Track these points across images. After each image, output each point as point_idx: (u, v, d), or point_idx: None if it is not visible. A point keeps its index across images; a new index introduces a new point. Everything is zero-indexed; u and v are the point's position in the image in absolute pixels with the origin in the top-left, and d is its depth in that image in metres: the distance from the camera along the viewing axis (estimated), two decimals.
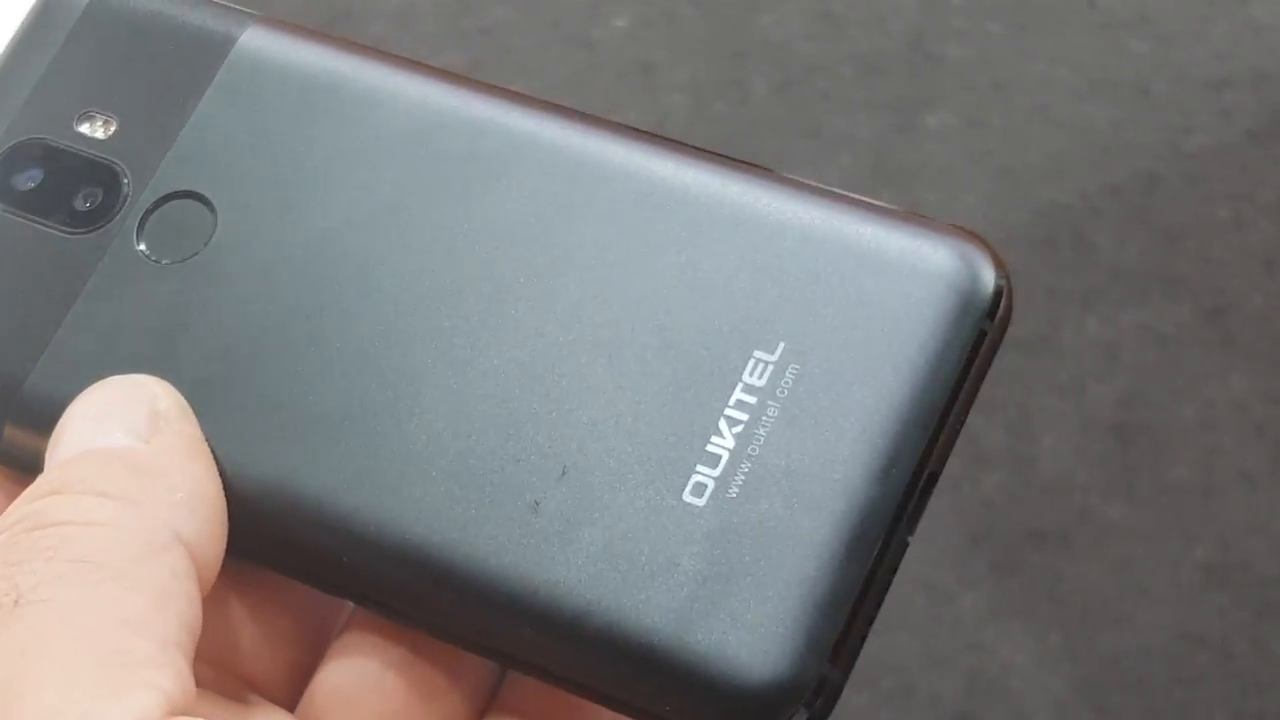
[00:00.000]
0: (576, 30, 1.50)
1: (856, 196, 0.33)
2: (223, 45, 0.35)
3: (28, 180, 0.35)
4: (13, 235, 0.35)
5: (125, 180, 0.35)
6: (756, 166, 0.34)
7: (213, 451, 0.31)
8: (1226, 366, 1.33)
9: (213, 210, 0.34)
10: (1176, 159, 1.45)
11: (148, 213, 0.34)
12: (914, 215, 0.34)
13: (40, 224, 0.35)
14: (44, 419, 0.32)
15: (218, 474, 0.31)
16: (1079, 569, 1.24)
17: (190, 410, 0.31)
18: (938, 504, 1.31)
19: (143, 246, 0.34)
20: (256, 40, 0.35)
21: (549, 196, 0.34)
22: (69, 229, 0.35)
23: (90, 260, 0.34)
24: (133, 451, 0.29)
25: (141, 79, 0.36)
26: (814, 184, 0.34)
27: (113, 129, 0.35)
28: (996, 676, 1.18)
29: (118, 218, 0.34)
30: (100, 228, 0.34)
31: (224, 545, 0.30)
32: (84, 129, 0.36)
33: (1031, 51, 1.51)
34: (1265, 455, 1.29)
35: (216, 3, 0.37)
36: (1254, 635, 1.21)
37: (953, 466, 1.29)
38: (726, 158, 0.35)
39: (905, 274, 0.32)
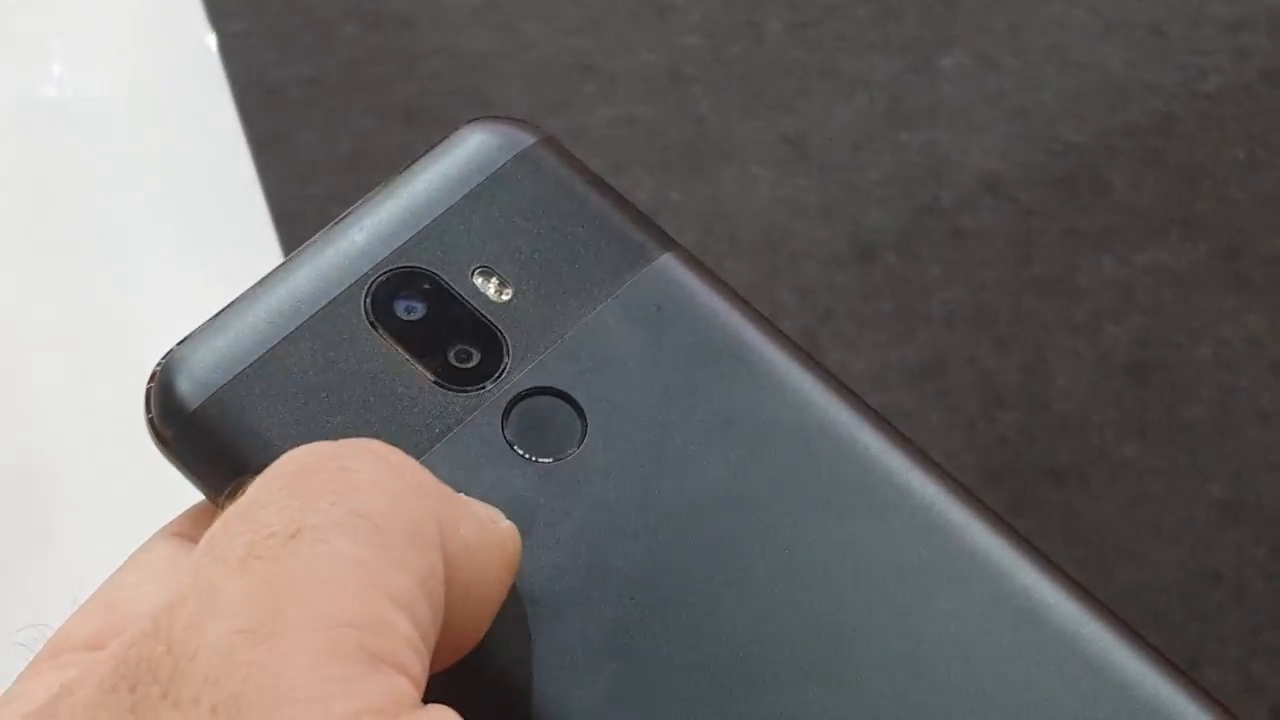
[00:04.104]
0: None
1: (1146, 641, 0.33)
2: (637, 260, 0.34)
3: (410, 310, 0.34)
4: (377, 360, 0.33)
5: (506, 354, 0.34)
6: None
7: (519, 663, 0.30)
8: (1242, 306, 1.34)
9: (583, 422, 0.33)
10: (1192, 99, 1.45)
11: (520, 397, 0.33)
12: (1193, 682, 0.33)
13: (408, 360, 0.33)
14: None
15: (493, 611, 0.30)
16: (1094, 507, 1.24)
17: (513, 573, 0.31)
18: (953, 443, 1.31)
19: (506, 429, 0.33)
20: (671, 270, 0.34)
21: (918, 557, 0.33)
22: (436, 377, 0.33)
23: (447, 419, 0.33)
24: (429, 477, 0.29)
25: (547, 257, 0.34)
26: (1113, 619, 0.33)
27: (506, 296, 0.34)
28: None
29: (489, 388, 0.33)
30: (467, 391, 0.33)
31: (479, 627, 0.29)
32: (478, 283, 0.34)
33: None
34: None
35: (643, 215, 0.36)
36: (1269, 571, 1.22)
37: (969, 406, 1.29)
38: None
39: None
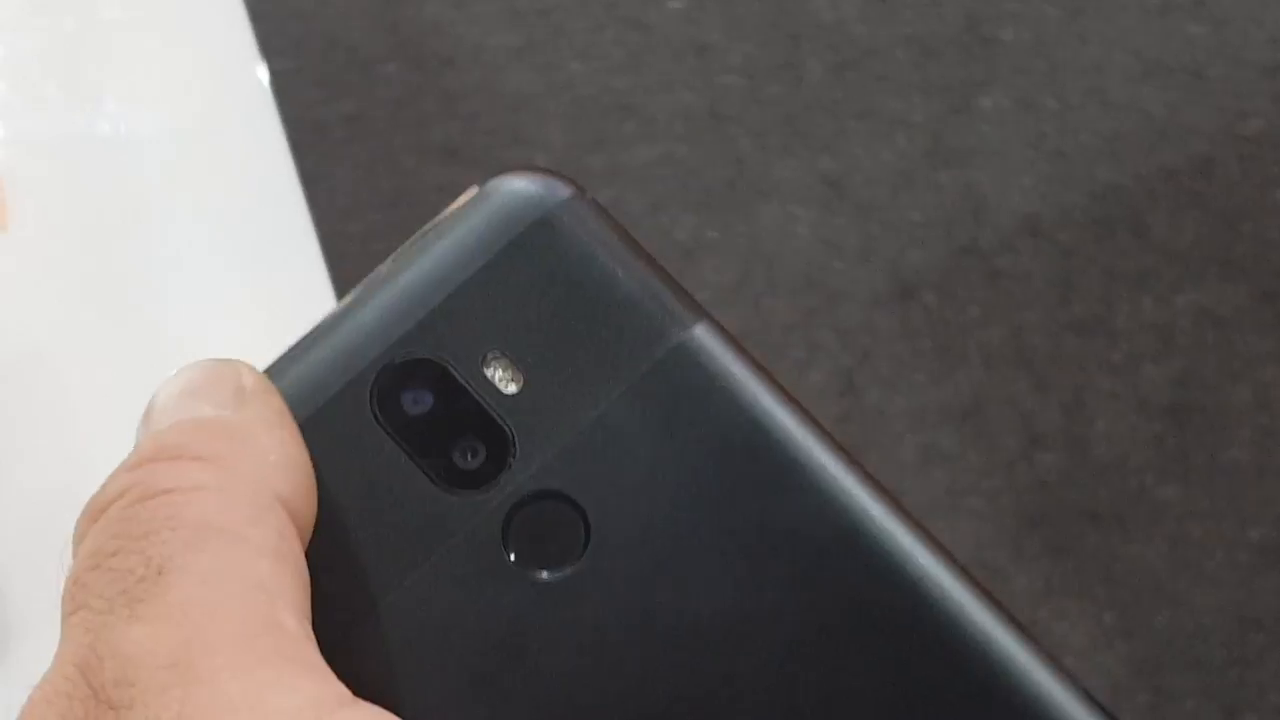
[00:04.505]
0: (632, 12, 1.51)
1: None
2: (659, 341, 0.31)
3: (417, 404, 0.31)
4: (380, 457, 0.31)
5: (512, 453, 0.31)
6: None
7: None
8: None
9: (587, 533, 0.30)
10: (1232, 142, 1.45)
11: (523, 502, 0.31)
12: None
13: (411, 459, 0.31)
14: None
15: (303, 440, 0.30)
16: (1134, 549, 1.24)
17: (274, 386, 0.31)
18: (992, 484, 1.31)
19: (505, 539, 0.30)
20: (694, 353, 0.31)
21: (940, 700, 0.30)
22: (438, 478, 0.31)
23: (446, 527, 0.31)
24: (221, 419, 0.29)
25: (562, 338, 0.31)
26: None
27: (516, 388, 0.31)
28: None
29: (491, 493, 0.31)
30: (467, 495, 0.31)
31: (315, 507, 0.30)
32: (489, 373, 0.31)
33: (1086, 34, 1.51)
34: None
35: (672, 281, 0.32)
36: None
37: (1008, 447, 1.29)
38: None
39: None
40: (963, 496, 1.25)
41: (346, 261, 1.47)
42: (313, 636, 0.27)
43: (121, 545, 0.27)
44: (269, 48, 1.57)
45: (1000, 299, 1.35)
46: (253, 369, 0.31)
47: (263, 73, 0.63)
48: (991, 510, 1.26)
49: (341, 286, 0.61)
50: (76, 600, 0.27)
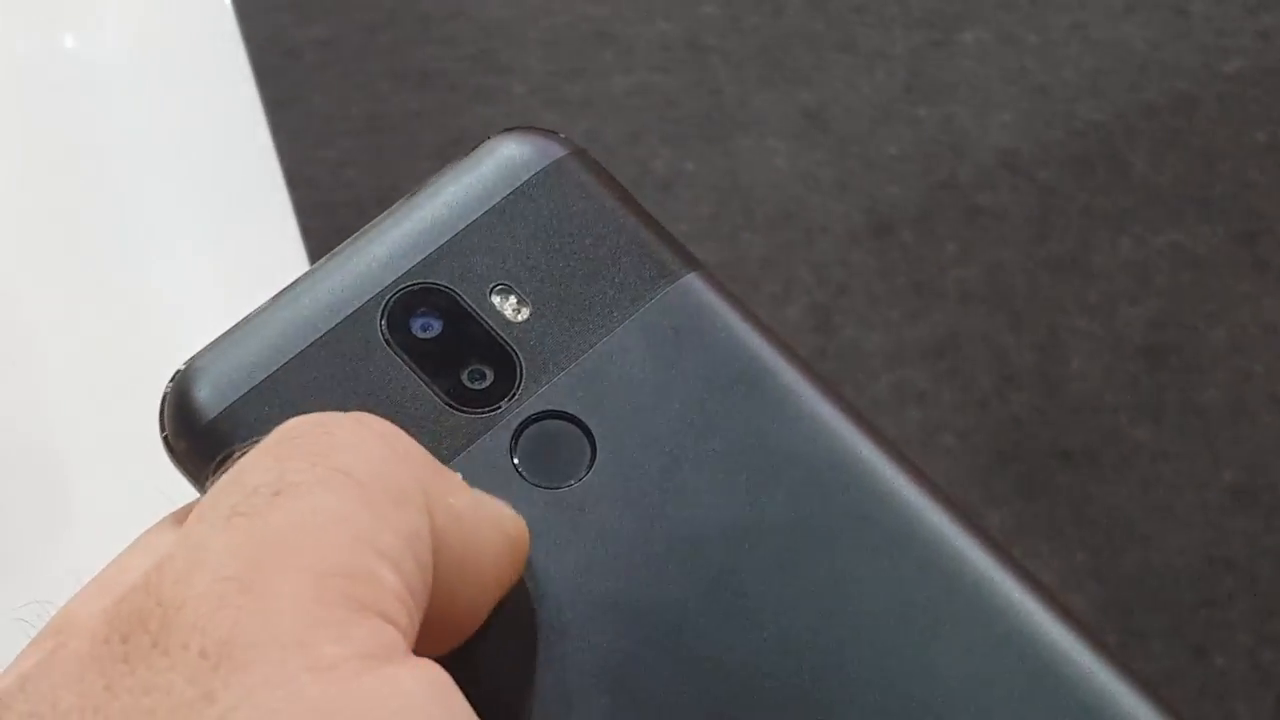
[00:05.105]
0: None
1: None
2: (658, 281, 0.34)
3: (426, 328, 0.33)
4: (390, 378, 0.33)
5: (520, 376, 0.33)
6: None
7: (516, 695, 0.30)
8: (1259, 290, 1.33)
9: (592, 448, 0.32)
10: (1214, 81, 1.44)
11: (529, 421, 0.32)
12: None
13: (420, 379, 0.33)
14: None
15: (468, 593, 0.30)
16: (1106, 489, 1.24)
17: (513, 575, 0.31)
18: (966, 422, 1.31)
19: (515, 456, 0.32)
20: (692, 292, 0.33)
21: (926, 598, 0.31)
22: (448, 398, 0.33)
23: (456, 441, 0.32)
24: (428, 456, 0.29)
25: (567, 276, 0.34)
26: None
27: (523, 315, 0.33)
28: None
29: (499, 412, 0.32)
30: (477, 413, 0.32)
31: (471, 612, 0.29)
32: (496, 301, 0.33)
33: None
34: None
35: (668, 233, 0.35)
36: None
37: (982, 385, 1.29)
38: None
39: None
40: (936, 433, 1.25)
41: (318, 187, 1.45)
42: (409, 604, 0.26)
43: (260, 464, 0.27)
44: None
45: (978, 236, 1.35)
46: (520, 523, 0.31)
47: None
48: (964, 448, 1.25)
49: (308, 214, 0.60)
50: (200, 509, 0.26)
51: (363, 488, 0.26)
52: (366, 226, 0.35)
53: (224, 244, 0.56)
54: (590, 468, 0.32)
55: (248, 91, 0.59)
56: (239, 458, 0.27)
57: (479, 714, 0.27)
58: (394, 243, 0.34)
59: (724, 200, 1.37)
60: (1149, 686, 0.31)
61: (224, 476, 0.27)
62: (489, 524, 0.29)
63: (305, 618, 0.24)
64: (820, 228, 1.35)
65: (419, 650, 0.26)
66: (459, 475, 0.29)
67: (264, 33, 1.43)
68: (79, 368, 0.54)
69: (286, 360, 0.33)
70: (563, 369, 0.33)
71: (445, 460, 0.32)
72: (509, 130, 0.36)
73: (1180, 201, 1.37)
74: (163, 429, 0.33)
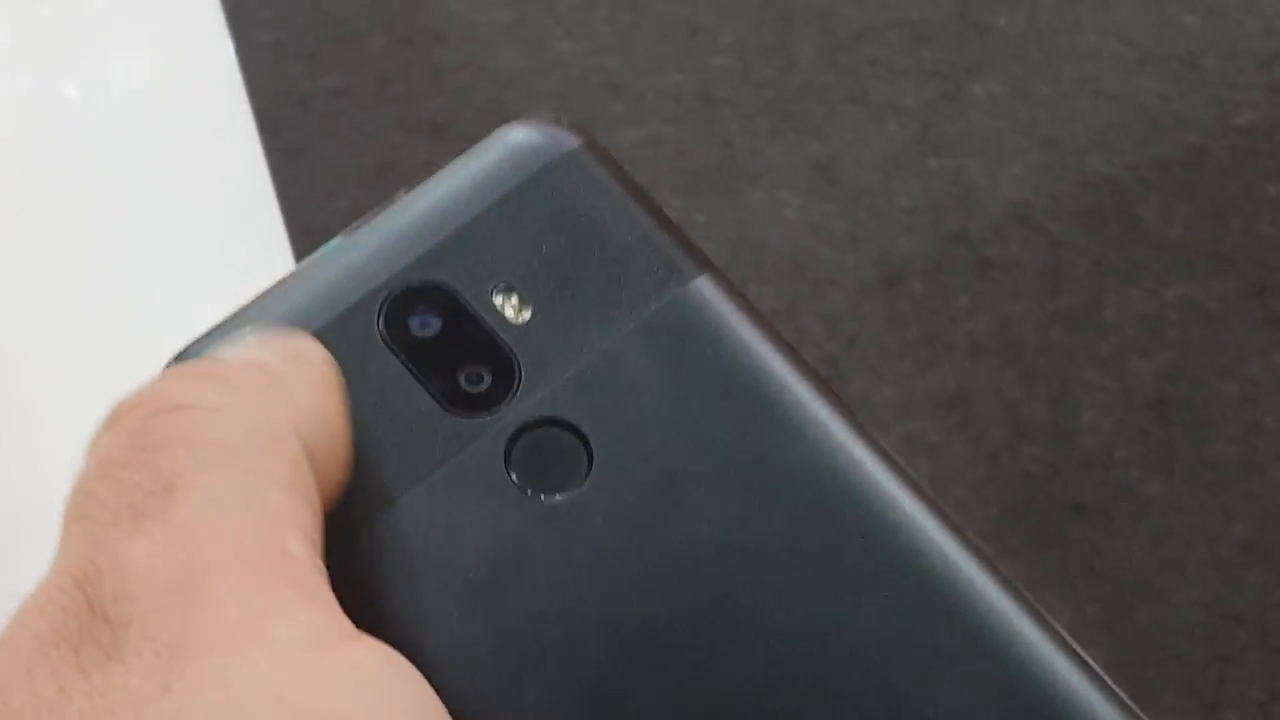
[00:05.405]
0: None
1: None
2: (666, 284, 0.32)
3: (424, 327, 0.32)
4: (385, 377, 0.31)
5: (518, 380, 0.32)
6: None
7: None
8: (1270, 344, 1.32)
9: (589, 460, 0.31)
10: (1225, 134, 1.44)
11: (526, 427, 0.31)
12: None
13: (416, 379, 0.32)
14: None
15: (348, 416, 0.29)
16: (1117, 544, 1.23)
17: (335, 365, 0.30)
18: (977, 475, 1.30)
19: (509, 463, 0.31)
20: (700, 297, 0.32)
21: (924, 625, 0.31)
22: (443, 400, 0.31)
23: (450, 445, 0.31)
24: (259, 358, 0.29)
25: (572, 275, 0.32)
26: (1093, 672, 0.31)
27: (525, 317, 0.32)
28: None
29: (495, 416, 0.31)
30: (474, 416, 0.31)
31: (342, 470, 0.29)
32: (498, 301, 0.32)
33: (1081, 22, 1.50)
34: None
35: (680, 232, 0.33)
36: None
37: (993, 438, 1.28)
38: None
39: None
40: (947, 486, 1.25)
41: (330, 237, 1.46)
42: (322, 569, 0.27)
43: (132, 457, 0.26)
44: (253, 20, 1.56)
45: (988, 288, 1.35)
46: (319, 345, 0.30)
47: (230, 47, 0.62)
48: (975, 501, 1.25)
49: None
50: (80, 509, 0.26)
51: (239, 454, 0.27)
52: (366, 216, 0.34)
53: (226, 295, 0.56)
54: (586, 478, 0.31)
55: (251, 144, 0.59)
56: (90, 446, 0.27)
57: None
58: (395, 235, 0.33)
59: (734, 252, 1.37)
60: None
61: (92, 473, 0.27)
62: (321, 383, 0.29)
63: (250, 608, 0.25)
64: (831, 280, 1.35)
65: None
66: (279, 348, 0.29)
67: (276, 83, 1.43)
68: (74, 402, 0.55)
69: None
70: (563, 374, 0.32)
71: (438, 463, 0.31)
72: (519, 119, 0.34)
73: (1191, 255, 1.37)
74: None
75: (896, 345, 1.32)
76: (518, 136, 0.34)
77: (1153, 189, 1.41)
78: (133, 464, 0.26)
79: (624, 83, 1.46)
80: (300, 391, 0.29)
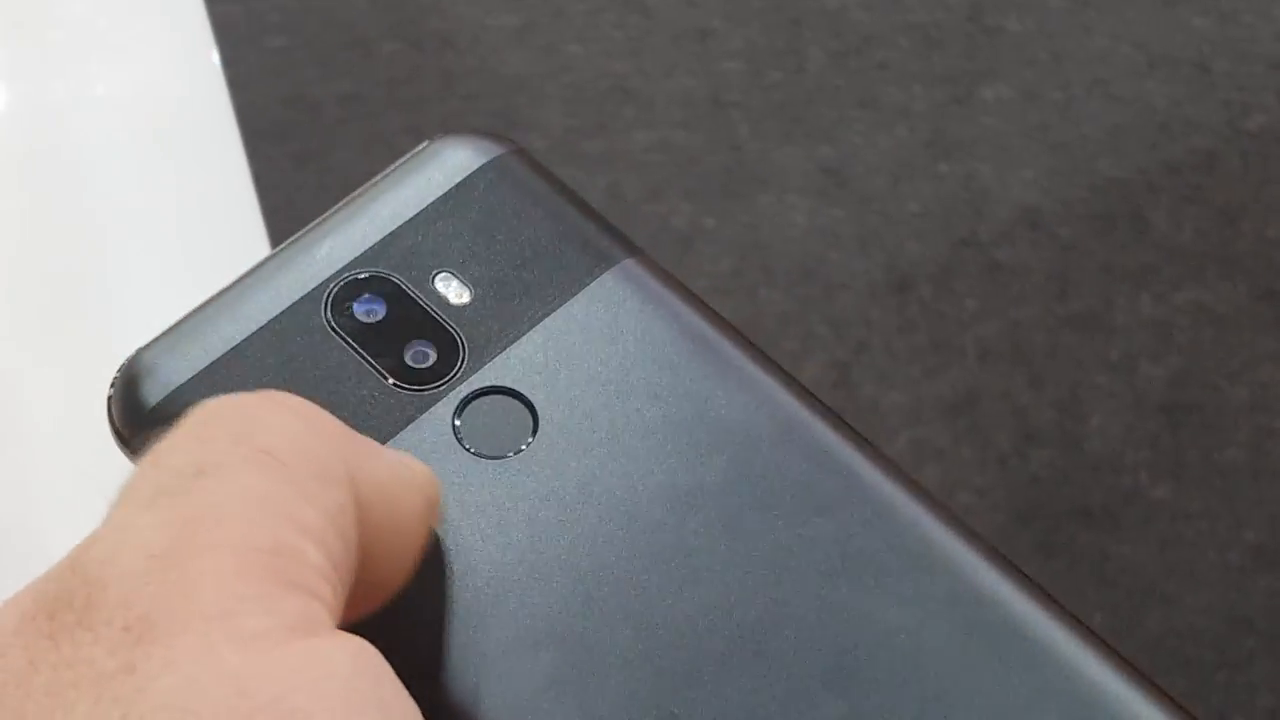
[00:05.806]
0: None
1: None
2: (597, 265, 0.35)
3: (369, 313, 0.34)
4: (335, 361, 0.34)
5: (462, 355, 0.34)
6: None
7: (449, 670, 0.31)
8: None
9: (535, 421, 0.33)
10: (1236, 138, 1.44)
11: (473, 396, 0.34)
12: None
13: (364, 360, 0.34)
14: None
15: (420, 541, 0.30)
16: (1126, 549, 1.23)
17: (436, 505, 0.31)
18: (985, 480, 1.30)
19: (458, 427, 0.33)
20: (630, 275, 0.35)
21: (861, 552, 0.32)
22: (392, 377, 0.34)
23: (400, 417, 0.33)
24: (343, 427, 0.29)
25: (507, 262, 0.35)
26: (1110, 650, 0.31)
27: (465, 299, 0.35)
28: None
29: (442, 388, 0.34)
30: (421, 390, 0.34)
31: (389, 583, 0.29)
32: (439, 287, 0.35)
33: (1091, 25, 1.50)
34: None
35: (607, 223, 0.36)
36: None
37: (1001, 442, 1.28)
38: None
39: None
40: (955, 491, 1.25)
41: None
42: (340, 595, 0.27)
43: (181, 445, 0.27)
44: (265, 25, 1.56)
45: (998, 293, 1.35)
46: (428, 469, 0.31)
47: (215, 56, 0.62)
48: (983, 506, 1.25)
49: None
50: (127, 488, 0.26)
51: (286, 467, 0.27)
52: (311, 224, 0.36)
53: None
54: (532, 439, 0.33)
55: (237, 155, 0.60)
56: (159, 440, 0.28)
57: (422, 678, 0.27)
58: (338, 236, 0.35)
59: (744, 256, 1.37)
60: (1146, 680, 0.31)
61: (146, 459, 0.27)
62: (408, 487, 0.30)
63: (227, 592, 0.25)
64: (840, 284, 1.35)
65: (347, 614, 0.27)
66: (376, 444, 0.30)
67: (286, 88, 1.44)
68: (60, 436, 0.55)
69: (231, 347, 0.34)
70: (504, 347, 0.34)
71: (389, 435, 0.33)
72: (450, 132, 0.37)
73: (1201, 259, 1.37)
74: (110, 420, 0.34)
75: (905, 350, 1.32)
76: (447, 146, 0.37)
77: (1163, 193, 1.40)
78: (179, 449, 0.27)
79: (634, 87, 1.46)
80: (371, 462, 0.29)
